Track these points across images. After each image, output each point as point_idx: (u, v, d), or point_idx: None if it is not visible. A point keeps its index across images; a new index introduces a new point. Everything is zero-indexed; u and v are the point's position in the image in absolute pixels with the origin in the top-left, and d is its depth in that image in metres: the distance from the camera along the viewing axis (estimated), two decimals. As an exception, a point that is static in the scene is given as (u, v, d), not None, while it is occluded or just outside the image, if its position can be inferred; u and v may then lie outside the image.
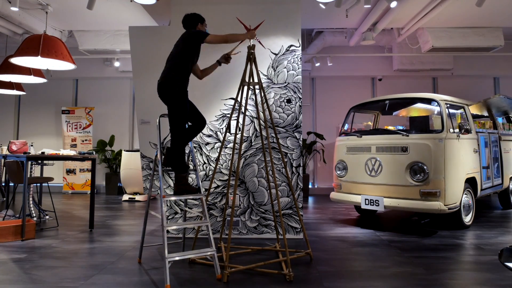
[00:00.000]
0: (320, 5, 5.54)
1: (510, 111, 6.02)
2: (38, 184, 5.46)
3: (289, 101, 4.25)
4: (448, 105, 4.57)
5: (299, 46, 4.28)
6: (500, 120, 6.20)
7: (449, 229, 4.55)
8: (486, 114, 5.91)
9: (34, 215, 4.96)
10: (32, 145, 5.50)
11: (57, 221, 5.00)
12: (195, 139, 4.25)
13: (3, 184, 5.57)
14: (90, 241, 4.02)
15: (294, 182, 4.16)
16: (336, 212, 5.98)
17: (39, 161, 5.51)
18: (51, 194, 5.59)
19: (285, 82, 4.26)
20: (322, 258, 3.42)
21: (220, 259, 3.32)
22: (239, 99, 3.60)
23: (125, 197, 7.25)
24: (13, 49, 5.10)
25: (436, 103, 4.57)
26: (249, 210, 4.19)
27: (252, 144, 4.23)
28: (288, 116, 4.24)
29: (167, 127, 4.24)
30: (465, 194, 4.56)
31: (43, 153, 5.19)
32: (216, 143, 4.25)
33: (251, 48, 3.36)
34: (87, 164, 8.33)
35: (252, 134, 4.23)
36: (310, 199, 7.59)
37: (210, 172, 4.22)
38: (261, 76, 4.24)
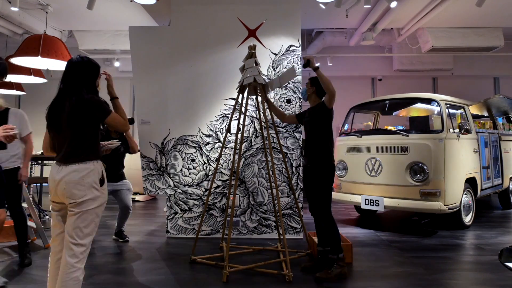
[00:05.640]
0: (320, 5, 5.53)
1: (510, 111, 6.02)
2: (38, 184, 5.46)
3: (289, 101, 4.25)
4: (448, 105, 4.57)
5: (299, 46, 4.28)
6: (500, 120, 6.20)
7: (449, 229, 4.55)
8: (486, 114, 5.91)
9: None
10: (32, 145, 5.49)
11: (57, 221, 4.99)
12: (195, 139, 4.25)
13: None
14: (90, 241, 4.01)
15: (294, 182, 4.16)
16: (336, 212, 5.98)
17: (39, 161, 5.51)
18: (51, 194, 5.58)
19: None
20: (322, 258, 3.41)
21: (220, 259, 3.33)
22: (239, 99, 3.59)
23: (125, 197, 7.24)
24: (13, 49, 5.08)
25: (436, 103, 4.57)
26: (249, 210, 4.19)
27: (252, 144, 4.22)
28: (288, 116, 4.23)
29: (166, 127, 4.24)
30: (465, 194, 4.56)
31: (43, 153, 5.18)
32: (216, 143, 4.25)
33: (252, 48, 3.36)
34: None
35: (252, 134, 4.23)
36: (310, 199, 7.58)
37: (210, 172, 4.22)
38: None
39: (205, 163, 4.24)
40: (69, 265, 1.90)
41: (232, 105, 4.23)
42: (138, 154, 4.24)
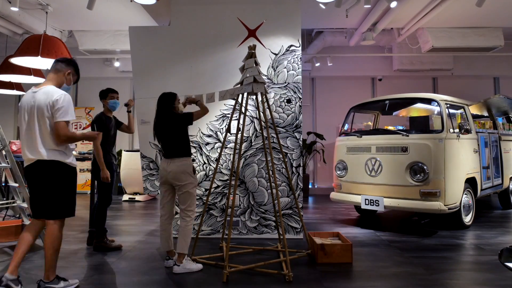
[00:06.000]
0: (320, 5, 5.54)
1: (510, 111, 6.01)
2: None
3: (289, 101, 4.25)
4: (448, 105, 4.57)
5: (299, 46, 4.28)
6: (500, 120, 6.20)
7: (449, 229, 4.55)
8: (486, 114, 5.91)
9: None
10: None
11: (57, 221, 4.99)
12: (195, 139, 4.26)
13: (3, 184, 5.57)
14: (90, 241, 4.01)
15: (294, 182, 4.16)
16: (336, 212, 5.98)
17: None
18: (51, 194, 5.57)
19: (285, 82, 4.26)
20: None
21: (220, 259, 3.33)
22: (239, 99, 3.59)
23: (125, 197, 7.25)
24: (13, 49, 5.08)
25: (436, 103, 4.57)
26: (249, 210, 4.19)
27: (252, 144, 4.23)
28: (288, 116, 4.24)
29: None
30: (465, 194, 4.56)
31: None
32: (216, 143, 4.25)
33: (252, 48, 3.36)
34: (87, 164, 8.32)
35: (252, 134, 4.23)
36: (310, 199, 7.59)
37: (210, 172, 4.22)
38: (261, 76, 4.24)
39: (205, 163, 4.24)
40: (185, 222, 3.06)
41: (232, 105, 4.24)
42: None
